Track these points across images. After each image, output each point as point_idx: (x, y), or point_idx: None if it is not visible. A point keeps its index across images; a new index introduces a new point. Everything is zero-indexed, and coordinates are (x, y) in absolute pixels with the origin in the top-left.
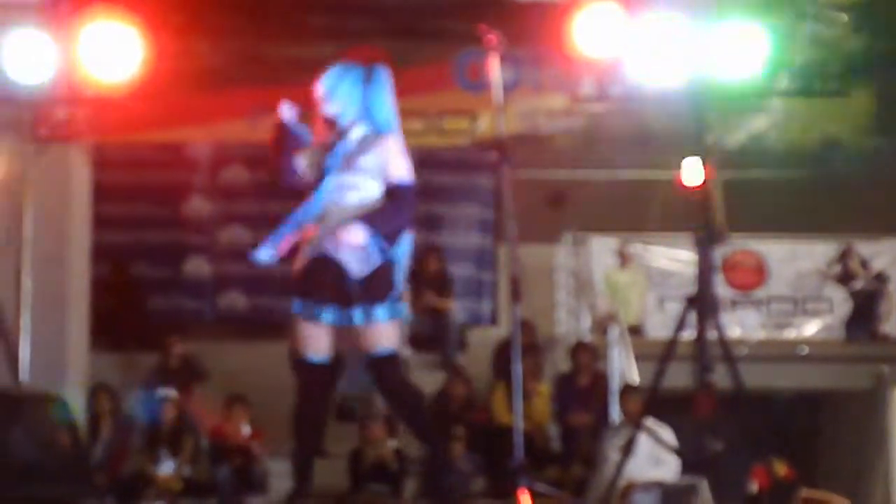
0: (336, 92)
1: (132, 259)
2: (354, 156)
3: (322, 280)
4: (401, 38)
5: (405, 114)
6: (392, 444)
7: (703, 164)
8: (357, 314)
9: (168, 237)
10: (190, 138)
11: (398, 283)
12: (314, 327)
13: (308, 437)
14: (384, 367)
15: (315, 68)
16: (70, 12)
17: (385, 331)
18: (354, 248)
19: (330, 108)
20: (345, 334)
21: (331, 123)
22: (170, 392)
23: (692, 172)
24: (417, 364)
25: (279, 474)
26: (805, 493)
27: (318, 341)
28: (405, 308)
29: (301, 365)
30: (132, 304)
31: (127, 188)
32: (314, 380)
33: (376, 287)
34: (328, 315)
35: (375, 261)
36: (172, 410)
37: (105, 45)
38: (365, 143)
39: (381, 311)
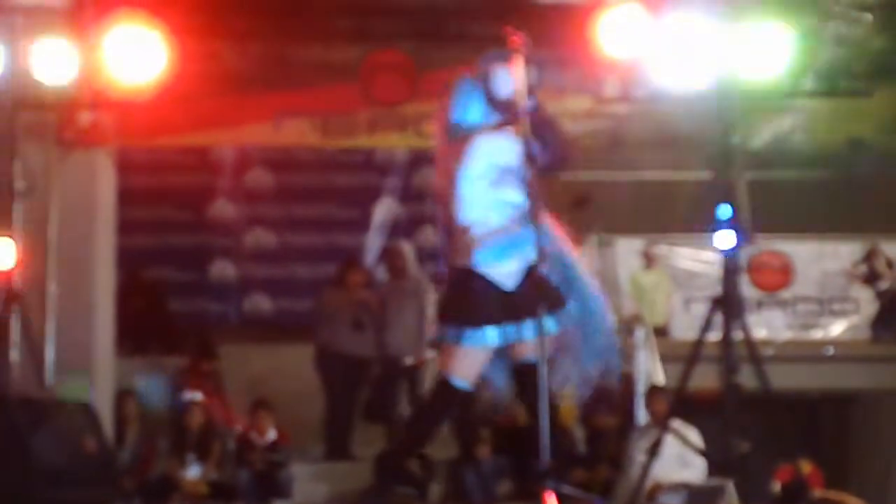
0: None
1: (157, 263)
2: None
3: (484, 300)
4: (425, 41)
5: (429, 116)
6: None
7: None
8: (521, 330)
9: (193, 241)
10: (214, 142)
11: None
12: (475, 351)
13: (412, 450)
14: (532, 375)
15: (339, 71)
16: (94, 17)
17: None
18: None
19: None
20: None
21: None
22: (196, 395)
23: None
24: None
25: (303, 478)
26: (821, 493)
27: (471, 367)
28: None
29: (444, 386)
30: (157, 308)
31: (152, 192)
32: (449, 403)
33: (535, 300)
34: (493, 336)
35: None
36: (200, 414)
37: (129, 50)
38: None
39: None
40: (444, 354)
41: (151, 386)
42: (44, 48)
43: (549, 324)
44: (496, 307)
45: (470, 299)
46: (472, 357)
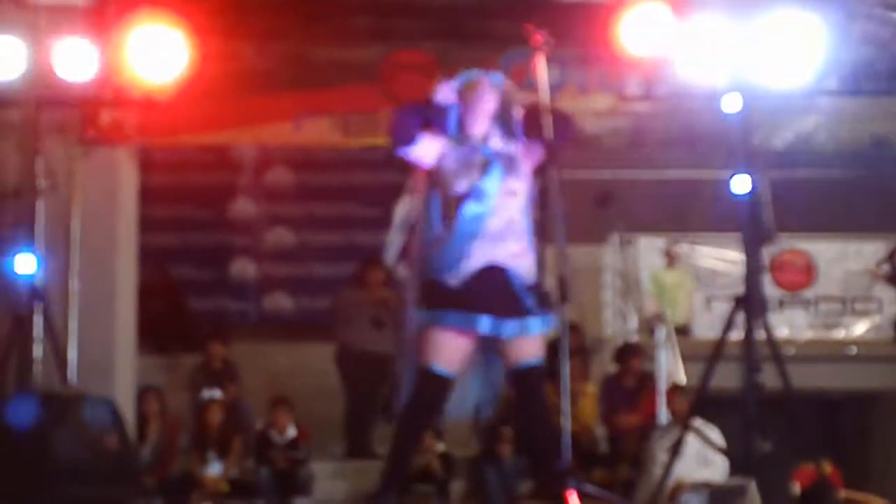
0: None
1: (178, 261)
2: (514, 160)
3: (487, 289)
4: (446, 40)
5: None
6: (439, 447)
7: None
8: (515, 326)
9: (213, 239)
10: (235, 141)
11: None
12: (456, 338)
13: (408, 447)
14: (530, 379)
15: (360, 70)
16: (117, 16)
17: (537, 342)
18: (520, 257)
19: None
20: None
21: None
22: (215, 392)
23: (741, 182)
24: None
25: (324, 476)
26: (846, 494)
27: (452, 355)
28: (552, 319)
29: (426, 374)
30: (177, 307)
31: (173, 190)
32: (434, 392)
33: (541, 296)
34: (484, 325)
35: (535, 271)
36: (219, 411)
37: (151, 49)
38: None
39: (536, 323)
40: (424, 342)
41: None
42: (66, 46)
43: (536, 324)
44: (502, 298)
45: (479, 287)
46: (453, 344)
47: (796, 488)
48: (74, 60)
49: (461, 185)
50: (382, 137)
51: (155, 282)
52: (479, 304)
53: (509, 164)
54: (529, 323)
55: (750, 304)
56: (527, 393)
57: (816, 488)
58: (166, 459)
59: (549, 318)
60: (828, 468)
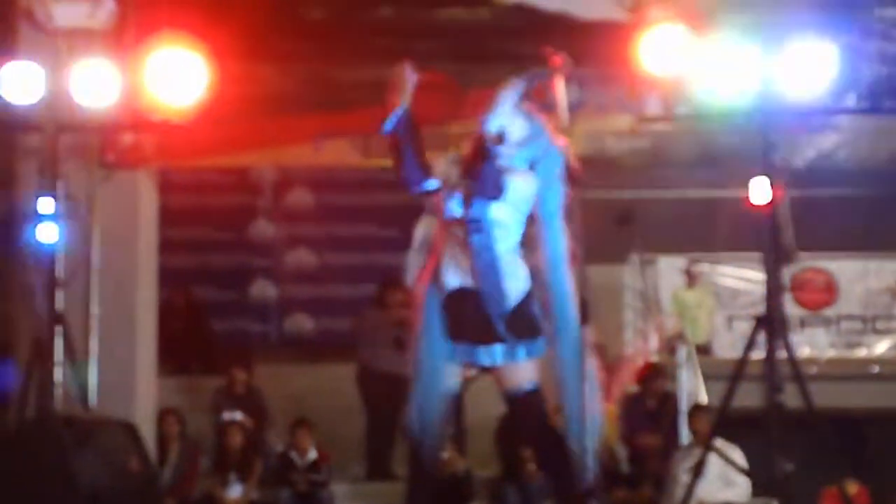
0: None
1: (198, 283)
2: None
3: (462, 316)
4: (466, 60)
5: (471, 136)
6: (461, 465)
7: (772, 183)
8: (498, 354)
9: (234, 261)
10: (255, 162)
11: (539, 317)
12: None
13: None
14: (526, 405)
15: (380, 91)
16: (136, 39)
17: (527, 367)
18: (499, 281)
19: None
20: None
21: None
22: (236, 415)
23: (760, 191)
24: (485, 386)
25: (344, 497)
26: None
27: (451, 375)
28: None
29: None
30: (198, 328)
31: (193, 212)
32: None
33: (520, 324)
34: (462, 354)
35: (519, 295)
36: (240, 434)
37: (171, 71)
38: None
39: (522, 350)
40: None
41: None
42: (85, 70)
43: (500, 353)
44: (477, 325)
45: (454, 314)
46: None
47: None
48: (94, 84)
49: (450, 204)
50: None
51: (175, 303)
52: (454, 330)
53: (496, 190)
54: (495, 351)
55: (771, 323)
56: (523, 419)
57: None
58: (187, 481)
59: (525, 346)
60: (853, 488)
